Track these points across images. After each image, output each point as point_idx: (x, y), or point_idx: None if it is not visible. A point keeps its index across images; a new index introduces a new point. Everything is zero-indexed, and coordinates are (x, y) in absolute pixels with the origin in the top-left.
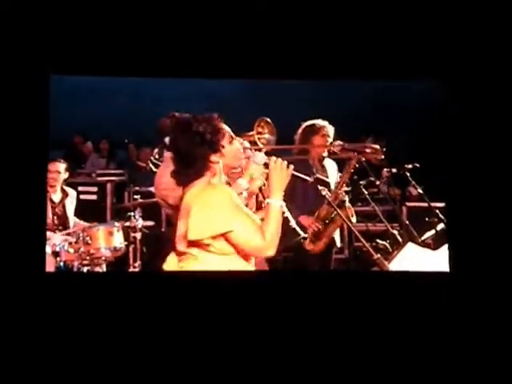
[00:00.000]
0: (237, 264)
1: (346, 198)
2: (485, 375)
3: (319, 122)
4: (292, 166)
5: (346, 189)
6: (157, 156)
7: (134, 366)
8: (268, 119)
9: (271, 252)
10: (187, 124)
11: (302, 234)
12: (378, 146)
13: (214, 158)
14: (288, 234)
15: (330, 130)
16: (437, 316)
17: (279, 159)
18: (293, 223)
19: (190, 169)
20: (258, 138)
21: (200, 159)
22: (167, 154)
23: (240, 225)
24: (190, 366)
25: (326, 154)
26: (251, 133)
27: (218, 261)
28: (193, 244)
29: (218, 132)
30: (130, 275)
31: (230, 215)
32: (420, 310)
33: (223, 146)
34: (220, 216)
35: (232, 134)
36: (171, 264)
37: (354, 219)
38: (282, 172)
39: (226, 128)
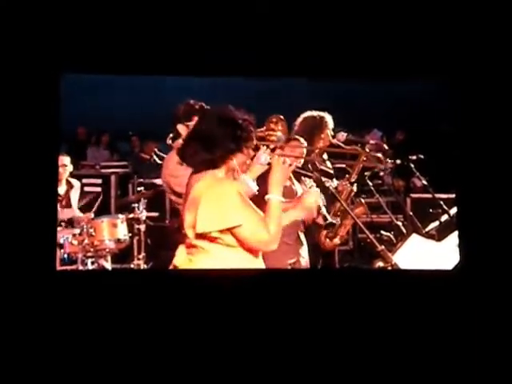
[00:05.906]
0: (245, 257)
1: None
2: (497, 376)
3: (319, 113)
4: (295, 164)
5: (352, 180)
6: (170, 142)
7: (141, 360)
8: (282, 117)
9: (274, 246)
10: (225, 113)
11: (330, 219)
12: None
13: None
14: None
15: (330, 120)
16: (446, 314)
17: (282, 157)
18: (323, 210)
19: (208, 154)
20: (269, 135)
21: (220, 150)
22: (177, 143)
23: (248, 220)
24: (194, 360)
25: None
26: (261, 129)
27: (228, 254)
28: (200, 236)
29: (250, 133)
30: (138, 272)
31: (238, 210)
32: (428, 308)
33: (247, 148)
34: (229, 211)
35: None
36: (181, 257)
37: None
38: (283, 170)
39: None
